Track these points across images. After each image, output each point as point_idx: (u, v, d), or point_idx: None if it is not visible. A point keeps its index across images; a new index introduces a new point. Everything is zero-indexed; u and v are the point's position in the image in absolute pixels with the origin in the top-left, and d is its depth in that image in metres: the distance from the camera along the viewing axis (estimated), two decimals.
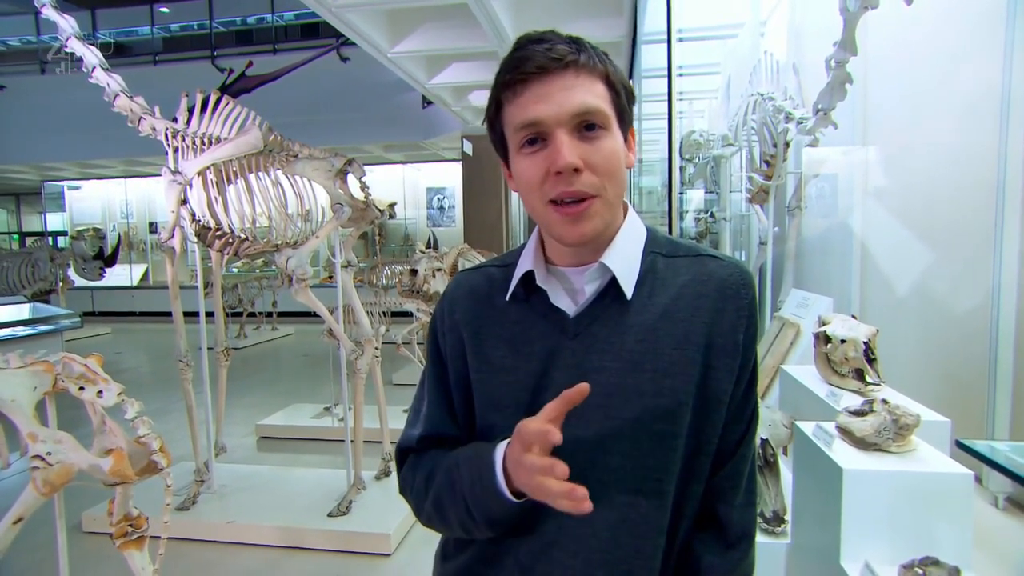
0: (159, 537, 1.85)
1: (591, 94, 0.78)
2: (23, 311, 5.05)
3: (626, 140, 0.84)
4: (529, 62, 0.77)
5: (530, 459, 0.72)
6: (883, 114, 2.48)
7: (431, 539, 0.93)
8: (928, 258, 2.15)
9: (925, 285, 2.16)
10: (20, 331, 4.33)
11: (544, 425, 0.71)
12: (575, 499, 0.68)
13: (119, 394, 1.71)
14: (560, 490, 0.69)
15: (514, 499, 0.78)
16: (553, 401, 0.72)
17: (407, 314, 4.91)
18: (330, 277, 9.95)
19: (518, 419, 0.76)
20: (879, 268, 2.50)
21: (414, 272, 4.64)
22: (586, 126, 0.78)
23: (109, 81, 3.24)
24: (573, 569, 0.82)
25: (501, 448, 0.80)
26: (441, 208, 12.91)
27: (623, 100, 0.82)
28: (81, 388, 1.68)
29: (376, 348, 3.51)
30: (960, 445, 1.19)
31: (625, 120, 0.83)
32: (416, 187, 13.04)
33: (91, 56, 3.20)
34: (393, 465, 3.74)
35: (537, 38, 0.79)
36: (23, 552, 2.48)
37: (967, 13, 1.96)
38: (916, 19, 2.03)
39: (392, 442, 3.83)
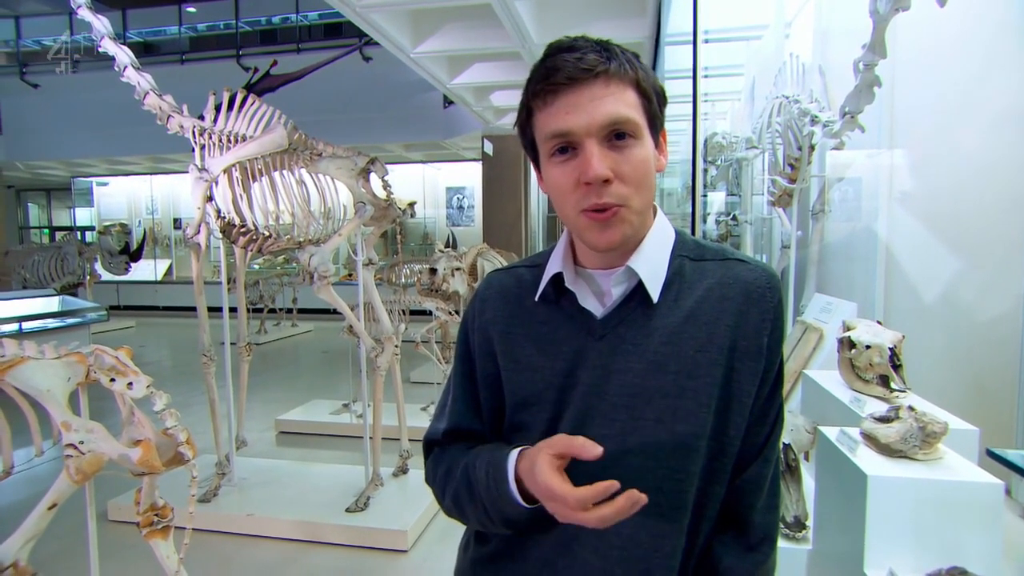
0: (183, 527, 1.89)
1: (621, 103, 0.78)
2: (53, 303, 5.20)
3: (657, 144, 0.84)
4: (559, 72, 0.77)
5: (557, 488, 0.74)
6: (911, 118, 2.44)
7: (448, 536, 0.95)
8: (955, 264, 2.11)
9: (952, 291, 2.12)
10: (50, 323, 4.47)
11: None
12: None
13: (148, 386, 1.75)
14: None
15: (527, 505, 0.80)
16: (564, 439, 0.76)
17: (426, 313, 4.94)
18: (350, 275, 10.05)
19: (545, 416, 0.76)
20: (904, 273, 2.46)
21: (433, 271, 4.68)
22: (616, 135, 0.78)
23: (140, 80, 3.31)
24: (592, 565, 0.83)
25: (513, 457, 0.82)
26: (460, 208, 12.96)
27: (654, 106, 0.82)
28: (112, 380, 1.73)
29: (396, 346, 3.54)
30: (991, 454, 1.18)
31: (656, 126, 0.83)
32: (436, 186, 13.12)
33: (123, 55, 3.27)
34: (410, 462, 3.79)
35: (568, 46, 0.79)
36: (50, 539, 2.54)
37: (998, 16, 1.92)
38: (946, 21, 1.99)
39: (410, 439, 3.85)
